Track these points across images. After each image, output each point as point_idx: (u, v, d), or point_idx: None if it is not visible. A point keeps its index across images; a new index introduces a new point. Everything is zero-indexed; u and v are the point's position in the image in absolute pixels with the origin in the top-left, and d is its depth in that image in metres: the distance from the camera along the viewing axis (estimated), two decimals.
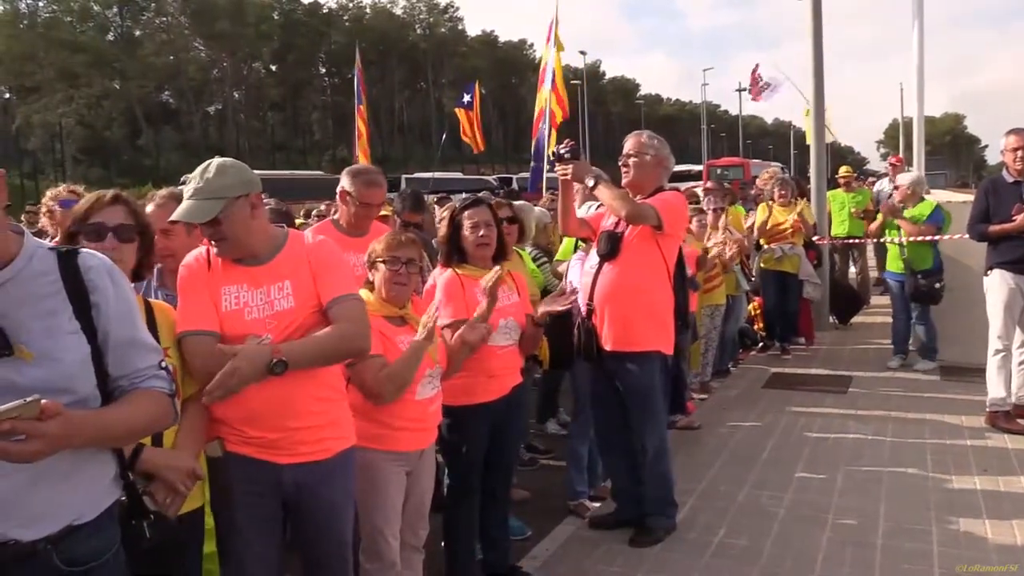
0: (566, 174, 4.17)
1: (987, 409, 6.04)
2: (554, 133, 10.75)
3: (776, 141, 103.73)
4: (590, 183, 4.11)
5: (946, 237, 7.89)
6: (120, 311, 1.95)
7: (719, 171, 35.65)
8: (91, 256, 1.98)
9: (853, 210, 10.66)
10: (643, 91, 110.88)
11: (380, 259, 3.23)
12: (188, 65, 68.83)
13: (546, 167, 11.06)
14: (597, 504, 4.85)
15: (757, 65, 19.06)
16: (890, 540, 4.17)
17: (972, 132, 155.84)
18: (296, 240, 2.80)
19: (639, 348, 4.18)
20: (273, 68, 75.39)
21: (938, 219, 7.75)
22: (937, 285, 7.63)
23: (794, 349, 8.83)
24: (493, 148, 70.93)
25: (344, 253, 3.35)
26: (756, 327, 9.17)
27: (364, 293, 3.13)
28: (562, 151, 4.24)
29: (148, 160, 57.72)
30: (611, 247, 4.20)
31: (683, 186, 27.39)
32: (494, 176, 40.67)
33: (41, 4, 62.69)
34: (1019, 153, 5.92)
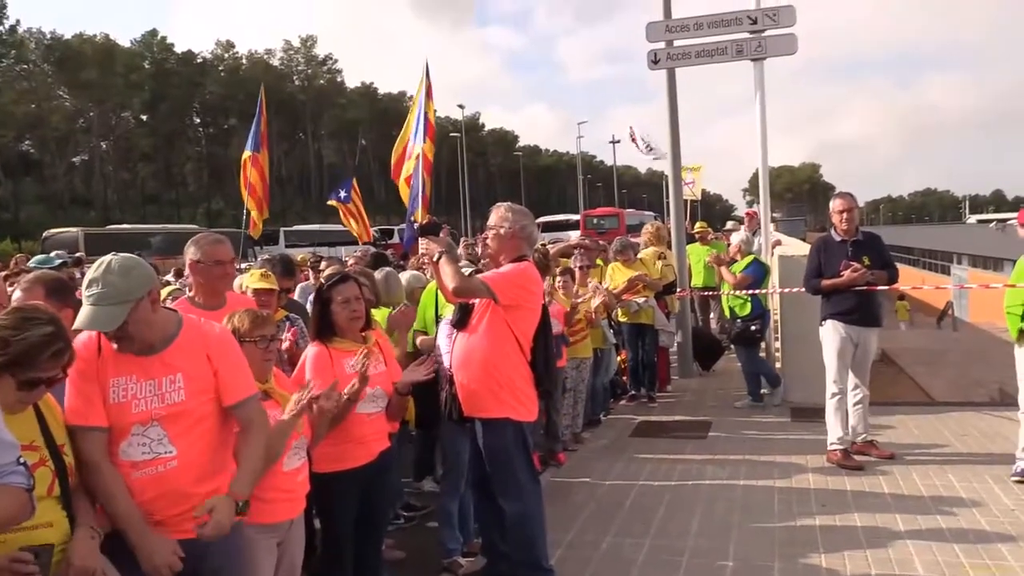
0: (427, 250, 4.41)
1: (828, 448, 6.59)
2: (428, 181, 10.82)
3: (651, 190, 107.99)
4: (435, 258, 4.34)
5: (768, 291, 8.90)
6: None
7: (595, 220, 36.84)
8: None
9: (708, 260, 11.40)
10: (522, 142, 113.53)
11: (247, 338, 3.35)
12: (52, 114, 66.00)
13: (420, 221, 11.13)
14: (471, 559, 5.02)
15: (631, 128, 19.97)
16: None
17: (828, 179, 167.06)
18: (191, 329, 2.89)
19: (487, 415, 4.34)
20: (144, 118, 73.18)
21: (755, 272, 8.76)
22: (752, 328, 8.56)
23: (660, 397, 9.31)
24: (375, 200, 70.78)
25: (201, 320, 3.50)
26: (624, 378, 9.63)
27: None
28: (422, 225, 4.50)
29: (7, 213, 54.63)
30: (460, 317, 4.44)
31: (564, 235, 28.24)
32: (375, 228, 40.52)
33: None
34: (844, 215, 6.60)
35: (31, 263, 5.64)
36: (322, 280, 4.12)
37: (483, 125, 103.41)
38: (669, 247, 10.39)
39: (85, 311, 2.70)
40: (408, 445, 6.31)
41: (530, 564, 4.38)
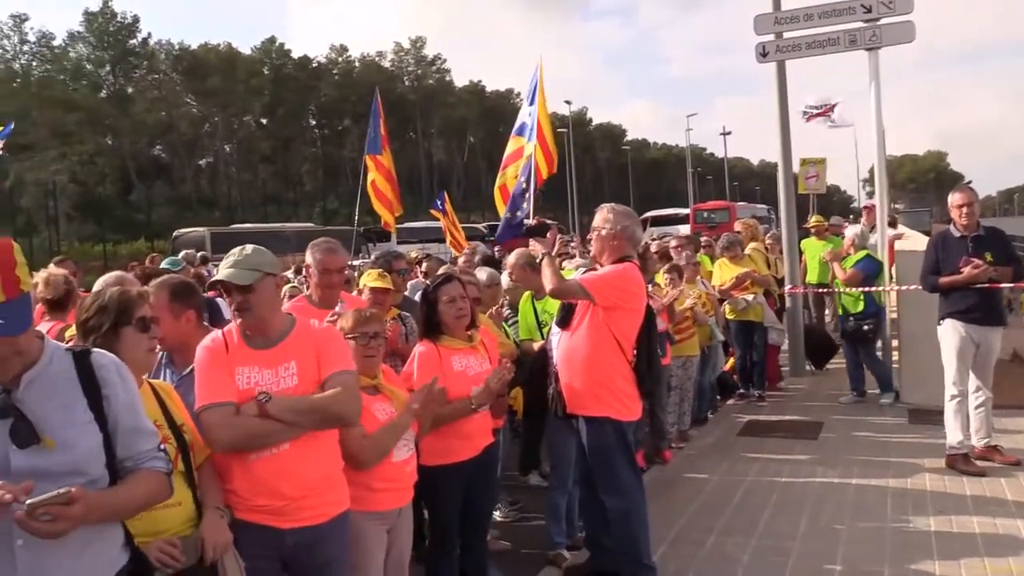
0: (532, 250, 4.55)
1: (947, 452, 6.34)
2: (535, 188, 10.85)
3: (763, 182, 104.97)
4: (538, 259, 4.48)
5: (883, 288, 8.63)
6: (127, 402, 2.29)
7: (705, 214, 36.18)
8: (102, 355, 2.32)
9: (823, 256, 11.03)
10: (629, 136, 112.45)
11: (349, 336, 3.55)
12: (180, 120, 69.74)
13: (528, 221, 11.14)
14: (575, 552, 5.10)
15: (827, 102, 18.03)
16: None
17: (955, 168, 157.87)
18: (303, 326, 3.15)
19: (588, 413, 4.42)
20: (263, 122, 76.37)
21: (867, 268, 8.48)
22: (865, 327, 8.31)
23: (770, 396, 9.14)
24: (482, 196, 71.56)
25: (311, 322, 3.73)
26: (734, 376, 9.48)
27: None
28: (530, 226, 4.62)
29: (140, 215, 58.08)
30: (562, 316, 4.55)
31: (673, 230, 27.83)
32: (484, 224, 41.10)
33: (35, 63, 63.71)
34: (964, 209, 6.32)
35: (163, 264, 6.08)
36: (428, 280, 4.30)
37: (590, 120, 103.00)
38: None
39: (222, 272, 3.01)
40: (515, 440, 6.43)
41: (633, 560, 4.43)
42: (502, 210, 10.33)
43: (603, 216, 4.50)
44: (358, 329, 3.56)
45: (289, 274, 12.17)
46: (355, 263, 16.39)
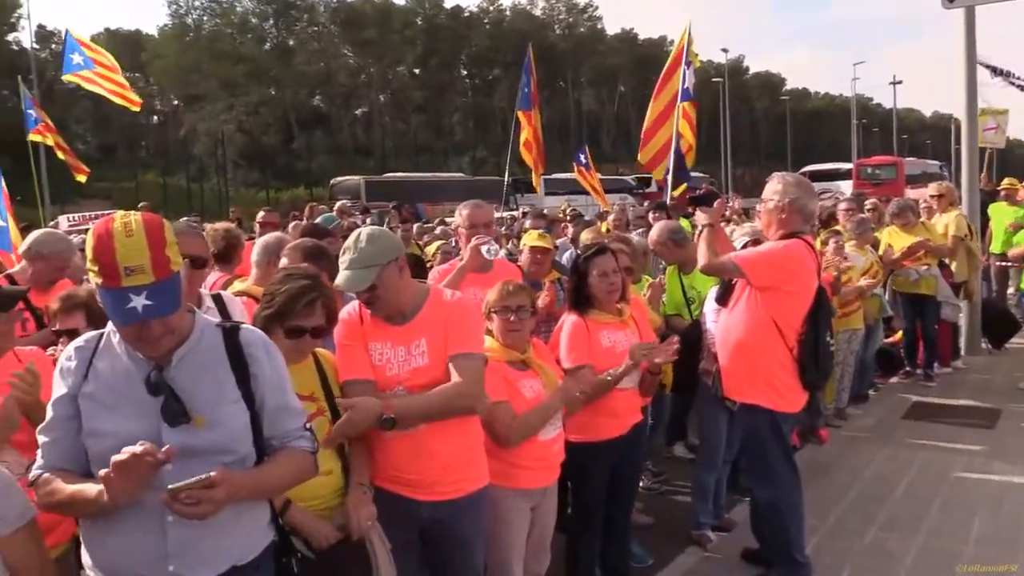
0: (696, 220, 4.30)
1: None
2: (689, 157, 10.50)
3: (935, 136, 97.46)
4: (698, 230, 4.23)
5: None
6: (274, 380, 2.28)
7: (869, 170, 34.09)
8: (250, 332, 2.31)
9: (1008, 225, 10.03)
10: (789, 86, 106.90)
11: (493, 310, 3.45)
12: (338, 71, 72.01)
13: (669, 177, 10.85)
14: (722, 534, 4.91)
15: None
16: None
17: None
18: (436, 297, 3.06)
19: (742, 398, 4.18)
20: (416, 72, 77.72)
21: None
22: None
23: (940, 375, 8.46)
24: (632, 147, 70.50)
25: (468, 290, 3.66)
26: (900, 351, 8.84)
27: (488, 340, 3.36)
28: (694, 195, 4.38)
29: (300, 163, 60.76)
30: (721, 293, 4.32)
31: (833, 186, 26.29)
32: (632, 176, 40.25)
33: (205, 18, 67.28)
34: None
35: (320, 219, 6.24)
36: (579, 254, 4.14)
37: (747, 69, 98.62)
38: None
39: (341, 274, 2.95)
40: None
41: (782, 554, 4.20)
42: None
43: (772, 187, 4.16)
44: (500, 303, 3.46)
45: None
46: (503, 215, 16.47)
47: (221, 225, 5.48)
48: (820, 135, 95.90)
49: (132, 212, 2.09)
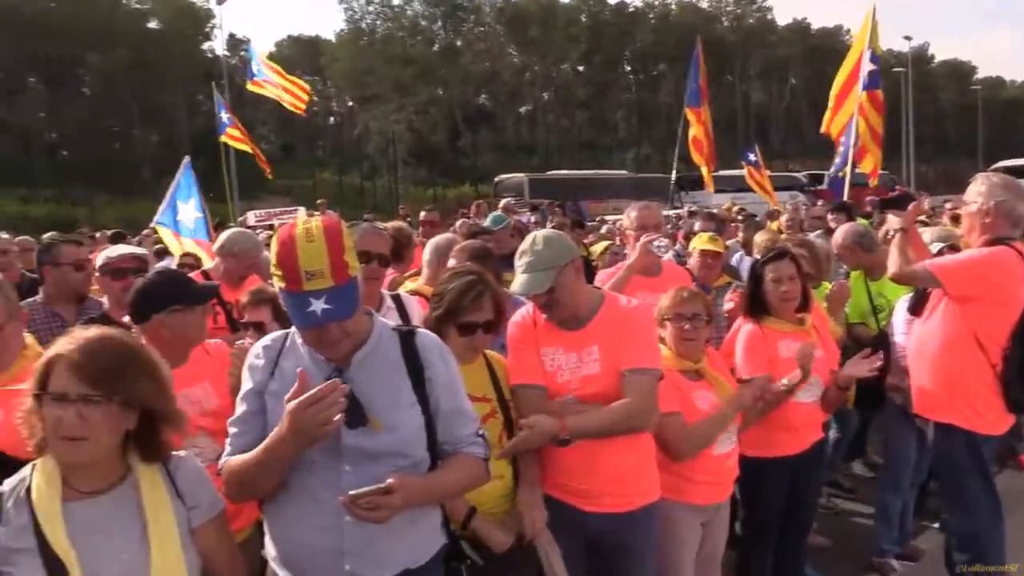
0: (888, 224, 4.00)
1: None
2: (875, 150, 9.90)
3: None
4: (890, 234, 3.91)
5: None
6: (449, 385, 2.28)
7: None
8: (426, 336, 2.32)
9: None
10: (980, 74, 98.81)
11: (666, 317, 3.33)
12: (503, 70, 73.28)
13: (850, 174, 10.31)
14: (907, 563, 4.56)
15: None
16: None
17: None
18: (612, 304, 2.98)
19: (935, 417, 3.84)
20: (580, 69, 77.82)
21: None
22: None
23: None
24: (803, 142, 67.50)
25: (636, 294, 3.55)
26: None
27: (662, 348, 3.24)
28: (885, 198, 4.07)
29: (466, 161, 62.42)
30: (914, 303, 3.99)
31: None
32: (804, 172, 38.40)
33: (379, 23, 70.26)
34: None
35: (487, 222, 6.30)
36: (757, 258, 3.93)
37: (932, 57, 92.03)
38: None
39: (518, 278, 2.91)
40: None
41: None
42: None
43: (975, 188, 3.79)
44: (674, 310, 3.33)
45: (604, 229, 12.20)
46: (671, 213, 16.16)
47: (392, 224, 5.64)
48: (1016, 127, 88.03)
49: (314, 217, 2.14)
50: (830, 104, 10.54)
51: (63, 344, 1.91)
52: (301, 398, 1.93)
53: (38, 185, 46.08)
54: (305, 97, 12.40)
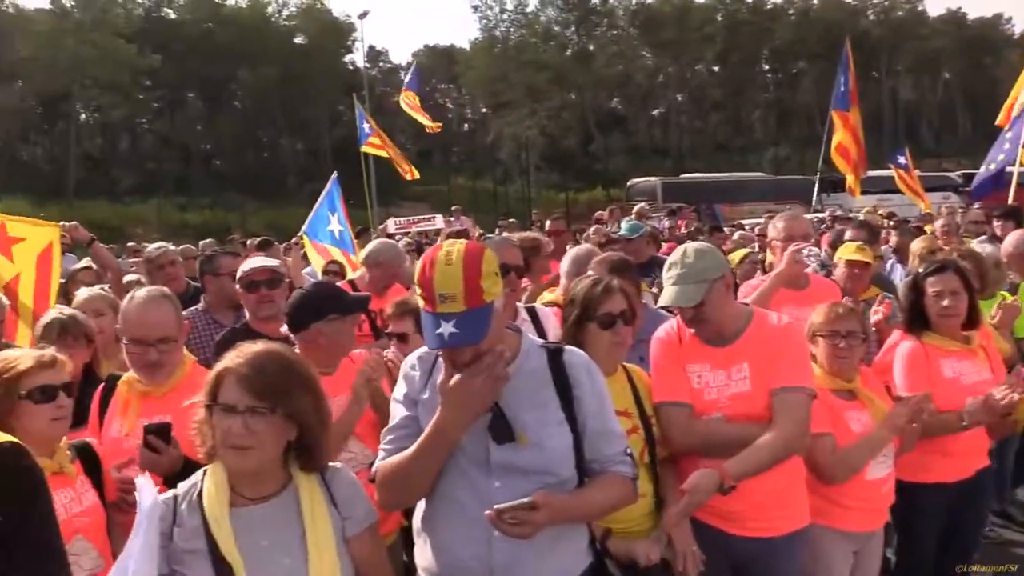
0: None
1: None
2: None
3: None
4: None
5: None
6: (596, 403, 2.26)
7: None
8: (574, 354, 2.31)
9: None
10: None
11: (819, 333, 3.18)
12: (636, 73, 72.56)
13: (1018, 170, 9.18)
14: None
15: None
16: None
17: None
18: (761, 321, 2.90)
19: None
20: (715, 69, 76.04)
21: None
22: None
23: None
24: (958, 139, 63.56)
25: (783, 308, 3.42)
26: None
27: (813, 367, 3.11)
28: None
29: (598, 165, 62.16)
30: None
31: None
32: (958, 172, 35.99)
33: (512, 30, 71.08)
34: None
35: (623, 231, 6.21)
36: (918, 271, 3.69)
37: None
38: None
39: (668, 290, 2.86)
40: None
41: None
42: None
43: None
44: (828, 327, 3.19)
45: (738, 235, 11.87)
46: (811, 216, 15.49)
47: (526, 235, 5.69)
48: None
49: (459, 240, 2.17)
50: (1013, 92, 9.57)
51: (232, 357, 2.03)
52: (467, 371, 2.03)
53: (195, 194, 49.36)
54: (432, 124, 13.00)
